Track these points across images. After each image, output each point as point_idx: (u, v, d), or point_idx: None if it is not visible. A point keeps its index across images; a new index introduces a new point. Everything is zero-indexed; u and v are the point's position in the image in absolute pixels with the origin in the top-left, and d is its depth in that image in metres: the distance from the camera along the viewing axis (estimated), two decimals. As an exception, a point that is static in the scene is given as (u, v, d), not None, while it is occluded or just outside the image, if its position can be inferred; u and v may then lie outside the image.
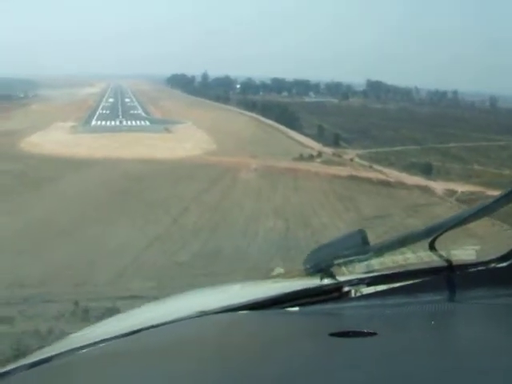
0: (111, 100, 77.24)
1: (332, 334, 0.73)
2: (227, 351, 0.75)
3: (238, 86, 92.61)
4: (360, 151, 38.84)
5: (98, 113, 56.68)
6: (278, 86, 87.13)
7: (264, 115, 55.51)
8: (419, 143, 41.98)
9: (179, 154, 32.96)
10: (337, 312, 0.92)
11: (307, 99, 75.37)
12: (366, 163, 35.43)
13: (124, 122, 47.05)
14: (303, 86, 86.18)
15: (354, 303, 0.95)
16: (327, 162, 34.46)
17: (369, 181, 30.55)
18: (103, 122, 46.45)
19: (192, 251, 17.59)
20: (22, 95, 66.10)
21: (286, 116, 50.51)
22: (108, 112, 57.99)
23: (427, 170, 33.32)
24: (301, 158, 34.63)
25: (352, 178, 30.32)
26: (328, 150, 37.62)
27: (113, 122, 46.46)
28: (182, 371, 0.68)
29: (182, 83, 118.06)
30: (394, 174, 32.72)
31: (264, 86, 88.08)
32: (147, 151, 32.80)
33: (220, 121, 49.37)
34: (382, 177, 32.14)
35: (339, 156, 36.71)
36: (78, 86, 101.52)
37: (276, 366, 0.67)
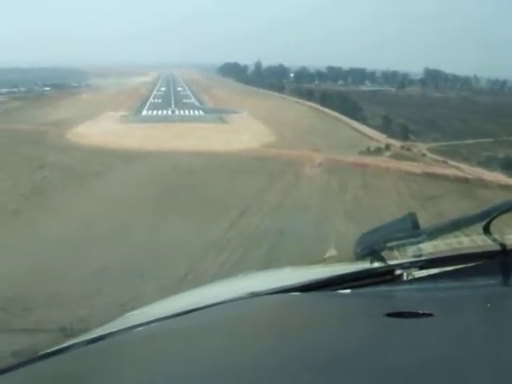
0: (163, 89, 75.34)
1: (387, 315, 0.73)
2: (279, 332, 0.74)
3: (292, 75, 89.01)
4: (430, 144, 35.18)
5: (149, 102, 54.61)
6: (334, 74, 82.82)
7: (323, 104, 52.31)
8: (490, 136, 37.94)
9: (235, 147, 30.25)
10: (390, 294, 0.93)
11: (364, 88, 71.30)
12: (439, 158, 31.81)
13: (176, 112, 44.64)
14: (359, 75, 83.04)
15: (407, 286, 0.95)
16: (397, 157, 31.01)
17: (446, 178, 26.99)
18: (155, 112, 44.13)
19: (254, 262, 14.72)
20: (75, 84, 65.45)
21: (347, 105, 47.02)
22: (160, 101, 55.84)
23: (507, 166, 29.52)
24: (368, 151, 31.32)
25: (427, 175, 26.84)
26: (395, 143, 34.16)
27: (165, 112, 44.06)
28: (232, 351, 0.68)
29: (235, 72, 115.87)
30: (471, 171, 29.00)
31: (319, 75, 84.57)
32: (201, 143, 30.23)
33: (276, 110, 46.44)
34: (459, 173, 28.50)
35: (408, 149, 33.21)
36: (130, 76, 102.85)
37: (331, 346, 0.67)
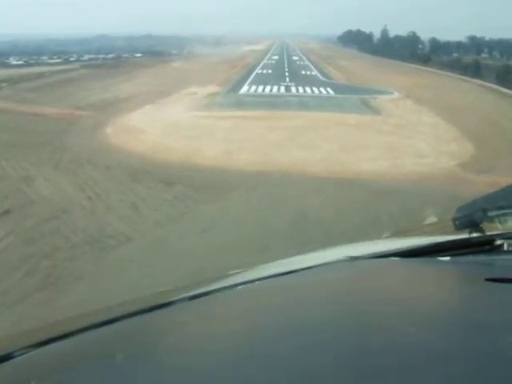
0: (275, 57, 60.13)
1: (487, 280, 0.73)
2: (378, 295, 0.75)
3: (422, 46, 79.73)
4: None
5: (254, 73, 38.48)
6: (475, 45, 71.96)
7: (500, 83, 34.73)
8: None
9: (413, 169, 13.25)
10: (490, 262, 0.91)
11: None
12: None
13: (293, 89, 28.01)
14: (507, 47, 66.74)
15: (508, 256, 0.93)
16: None
17: None
18: (260, 88, 27.67)
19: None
20: (174, 52, 58.78)
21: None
22: (270, 72, 39.62)
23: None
24: None
25: None
26: None
27: (275, 89, 27.52)
28: (330, 313, 0.69)
29: (357, 41, 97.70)
30: None
31: (457, 46, 73.99)
32: (344, 157, 13.72)
33: (442, 91, 28.67)
34: None
35: None
36: (240, 44, 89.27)
37: (431, 307, 0.68)
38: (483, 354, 0.52)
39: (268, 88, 28.07)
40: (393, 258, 0.93)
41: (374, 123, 19.19)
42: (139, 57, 58.79)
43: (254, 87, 28.68)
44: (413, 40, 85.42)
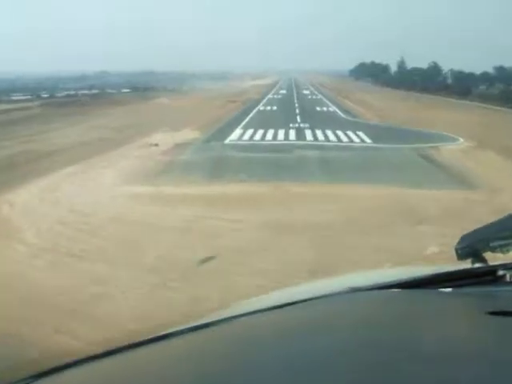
0: (283, 92, 50.77)
1: (490, 313, 0.72)
2: (379, 327, 0.75)
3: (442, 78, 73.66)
4: None
5: (255, 110, 28.81)
6: (505, 76, 63.66)
7: None
8: None
9: None
10: (492, 294, 0.89)
11: None
12: None
13: (308, 134, 18.13)
14: None
15: (510, 287, 0.91)
16: None
17: None
18: (259, 133, 17.76)
19: None
20: (170, 87, 55.31)
21: None
22: (274, 109, 29.94)
23: None
24: None
25: None
26: None
27: (281, 134, 17.63)
28: (333, 344, 0.68)
29: (372, 74, 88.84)
30: None
31: (484, 77, 67.74)
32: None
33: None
34: None
35: None
36: (246, 79, 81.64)
37: (431, 342, 0.66)
38: None
39: (270, 133, 18.13)
40: (394, 290, 0.90)
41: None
42: (125, 92, 51.33)
43: (249, 132, 18.76)
44: (434, 71, 76.57)
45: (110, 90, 53.07)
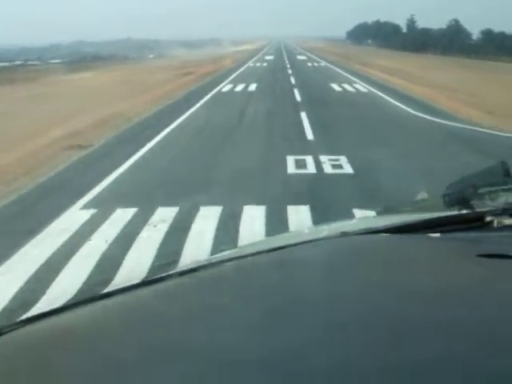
0: (268, 58, 35.75)
1: (478, 256, 0.72)
2: (369, 269, 0.74)
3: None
4: None
5: (213, 92, 13.69)
6: None
7: None
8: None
9: None
10: (480, 239, 0.89)
11: None
12: None
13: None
14: None
15: (497, 233, 0.90)
16: None
17: None
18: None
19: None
20: (133, 55, 49.98)
21: None
22: (251, 89, 14.73)
23: None
24: None
25: None
26: None
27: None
28: (321, 287, 0.69)
29: (375, 36, 73.34)
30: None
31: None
32: None
33: None
34: None
35: None
36: (229, 46, 75.78)
37: (421, 282, 0.67)
38: (475, 328, 0.52)
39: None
40: (384, 235, 0.90)
41: None
42: (53, 63, 39.13)
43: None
44: (455, 31, 61.51)
45: (49, 61, 42.46)
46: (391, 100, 12.44)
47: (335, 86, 15.63)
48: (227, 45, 75.76)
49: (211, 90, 14.51)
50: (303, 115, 9.58)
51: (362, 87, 15.60)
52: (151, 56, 49.57)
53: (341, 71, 23.18)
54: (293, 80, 17.76)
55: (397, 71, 22.50)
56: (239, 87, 15.38)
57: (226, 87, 15.61)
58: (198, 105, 11.51)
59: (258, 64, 28.97)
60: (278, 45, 75.47)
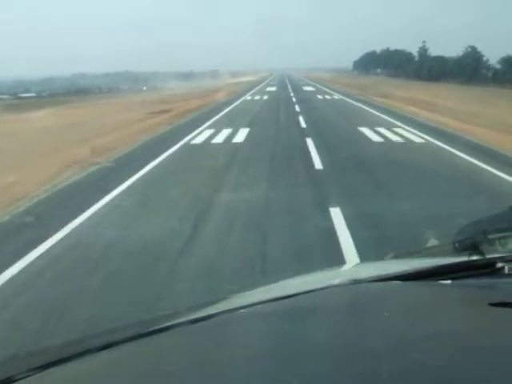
0: (270, 90, 30.97)
1: (490, 305, 0.71)
2: (380, 318, 0.73)
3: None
4: None
5: (181, 145, 8.11)
6: None
7: None
8: None
9: None
10: (492, 286, 0.88)
11: None
12: None
13: None
14: None
15: (509, 279, 0.90)
16: None
17: None
18: None
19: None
20: (125, 88, 50.36)
21: None
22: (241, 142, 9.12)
23: None
24: None
25: None
26: None
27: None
28: (332, 335, 0.69)
29: (385, 65, 68.80)
30: None
31: None
32: None
33: None
34: None
35: None
36: (228, 77, 73.26)
37: (432, 332, 0.66)
38: (487, 377, 0.52)
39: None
40: (395, 282, 0.89)
41: None
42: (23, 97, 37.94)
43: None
44: (471, 59, 56.68)
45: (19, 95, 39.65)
46: (472, 160, 7.09)
47: (368, 132, 10.20)
48: (226, 76, 73.14)
49: (176, 142, 9.12)
50: (338, 221, 4.13)
51: (407, 133, 10.17)
52: (144, 88, 48.29)
53: (362, 106, 17.88)
54: (302, 122, 12.36)
55: (432, 105, 17.36)
56: (220, 137, 9.97)
57: (200, 136, 10.21)
58: (131, 181, 6.10)
59: (257, 97, 23.74)
60: (280, 77, 72.14)
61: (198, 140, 9.56)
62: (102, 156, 7.84)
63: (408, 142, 9.07)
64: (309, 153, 7.74)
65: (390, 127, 11.05)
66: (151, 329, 0.77)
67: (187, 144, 9.11)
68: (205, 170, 6.64)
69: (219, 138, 9.67)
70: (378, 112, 15.09)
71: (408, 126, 11.34)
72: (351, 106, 18.22)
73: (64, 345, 0.83)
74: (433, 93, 26.80)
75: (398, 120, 12.59)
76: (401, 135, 9.82)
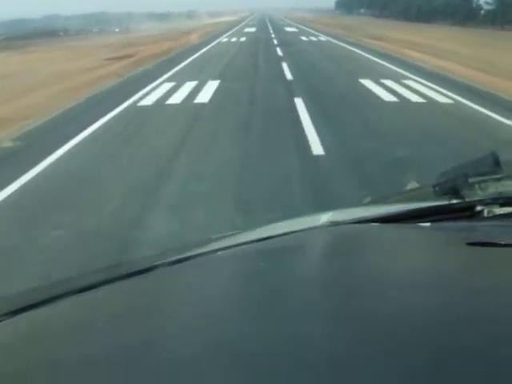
0: (249, 31, 28.07)
1: (468, 244, 0.71)
2: (358, 258, 0.73)
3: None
4: None
5: (127, 106, 5.65)
6: None
7: None
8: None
9: None
10: (470, 228, 0.87)
11: None
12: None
13: None
14: None
15: (488, 222, 0.89)
16: None
17: None
18: None
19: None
20: (95, 30, 48.31)
21: None
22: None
23: None
24: None
25: None
26: None
27: None
28: (309, 276, 0.67)
29: (366, 4, 65.11)
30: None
31: None
32: None
33: None
34: None
35: None
36: (205, 17, 69.88)
37: (410, 271, 0.66)
38: (466, 316, 0.51)
39: None
40: (374, 224, 0.88)
41: None
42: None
43: None
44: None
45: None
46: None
47: (374, 88, 7.83)
48: (205, 17, 69.93)
49: (117, 105, 6.68)
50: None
51: (424, 87, 7.82)
52: (117, 30, 46.01)
53: (356, 50, 15.34)
54: (287, 72, 9.87)
55: (434, 49, 15.01)
56: (179, 94, 7.53)
57: (156, 92, 7.76)
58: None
59: (234, 39, 20.89)
60: (261, 16, 68.72)
61: (150, 100, 7.11)
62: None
63: (431, 102, 6.75)
64: (300, 123, 5.41)
65: (398, 79, 8.67)
66: (129, 271, 0.76)
67: (132, 106, 6.67)
68: (148, 157, 4.31)
69: (177, 97, 7.22)
70: (377, 58, 12.62)
71: (420, 77, 8.96)
72: (343, 50, 15.63)
73: (37, 288, 0.82)
74: (429, 35, 24.16)
75: (403, 69, 10.19)
76: (417, 91, 7.48)
